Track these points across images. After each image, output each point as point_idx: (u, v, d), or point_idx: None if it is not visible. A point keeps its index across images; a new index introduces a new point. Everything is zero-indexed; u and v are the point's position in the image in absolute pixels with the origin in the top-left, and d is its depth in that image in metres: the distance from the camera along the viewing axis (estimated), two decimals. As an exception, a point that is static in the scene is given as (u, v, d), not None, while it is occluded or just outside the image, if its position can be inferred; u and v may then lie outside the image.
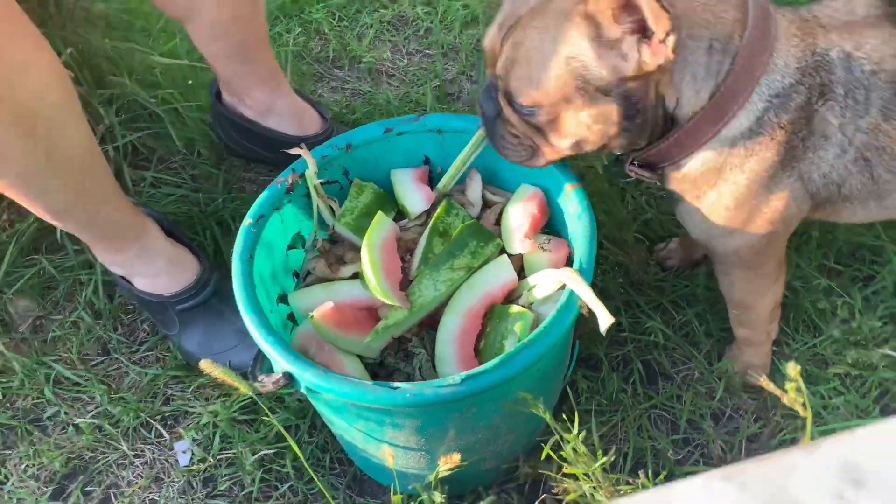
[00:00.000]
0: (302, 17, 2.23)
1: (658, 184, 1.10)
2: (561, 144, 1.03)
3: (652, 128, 1.00)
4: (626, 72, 0.91)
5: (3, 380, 1.48)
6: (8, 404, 1.46)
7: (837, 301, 1.38)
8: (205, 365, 0.96)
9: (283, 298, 1.16)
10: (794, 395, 0.69)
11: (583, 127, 0.98)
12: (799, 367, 0.68)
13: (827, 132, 0.98)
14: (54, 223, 1.29)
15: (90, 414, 1.43)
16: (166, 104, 1.83)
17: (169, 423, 1.43)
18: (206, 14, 1.40)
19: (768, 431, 1.29)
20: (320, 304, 1.06)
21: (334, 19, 2.22)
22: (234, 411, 1.37)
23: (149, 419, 1.42)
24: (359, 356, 1.07)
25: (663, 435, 1.30)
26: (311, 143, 1.24)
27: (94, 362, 1.52)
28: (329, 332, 1.03)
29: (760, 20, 0.95)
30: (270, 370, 1.01)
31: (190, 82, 1.86)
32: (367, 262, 1.05)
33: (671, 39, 0.88)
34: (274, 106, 1.63)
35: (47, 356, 1.51)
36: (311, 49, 2.14)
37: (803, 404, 0.70)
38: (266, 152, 1.67)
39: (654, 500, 0.44)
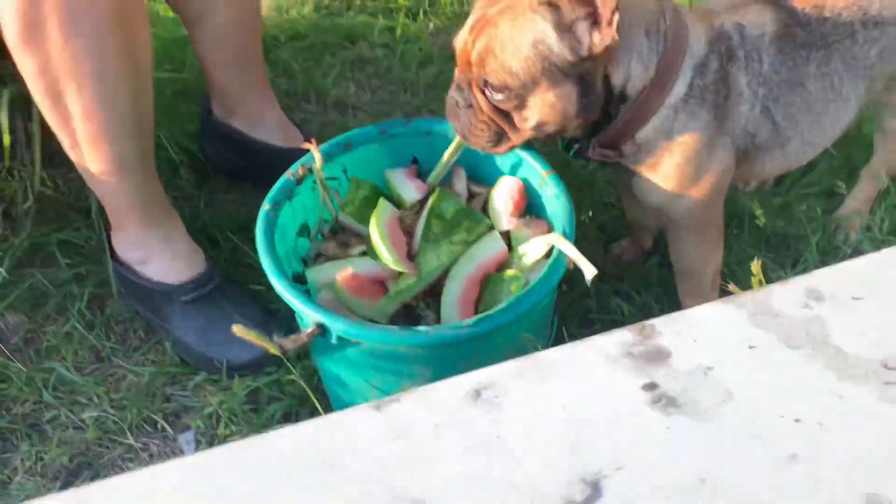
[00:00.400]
0: (269, 56, 2.38)
1: (618, 159, 1.27)
2: (526, 126, 1.17)
3: (602, 106, 1.17)
4: (581, 52, 1.08)
5: (1, 386, 1.51)
6: (4, 411, 1.49)
7: (772, 277, 1.59)
8: (237, 329, 1.07)
9: (295, 278, 1.27)
10: (757, 286, 0.86)
11: (547, 107, 1.13)
12: (760, 262, 0.84)
13: (740, 89, 1.21)
14: (112, 180, 1.36)
15: (91, 415, 1.48)
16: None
17: (171, 419, 1.49)
18: (216, 16, 1.56)
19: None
20: (336, 275, 1.18)
21: (299, 59, 2.39)
22: (237, 400, 1.45)
23: (151, 415, 1.47)
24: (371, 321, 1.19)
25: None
26: (297, 155, 1.38)
27: (89, 369, 1.57)
28: (347, 298, 1.16)
29: (673, 10, 1.18)
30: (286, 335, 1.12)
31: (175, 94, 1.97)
32: (378, 236, 1.19)
33: (615, 20, 1.05)
34: (264, 116, 1.77)
35: (43, 364, 1.55)
36: (279, 85, 2.29)
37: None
38: (253, 166, 1.79)
39: (677, 317, 0.59)
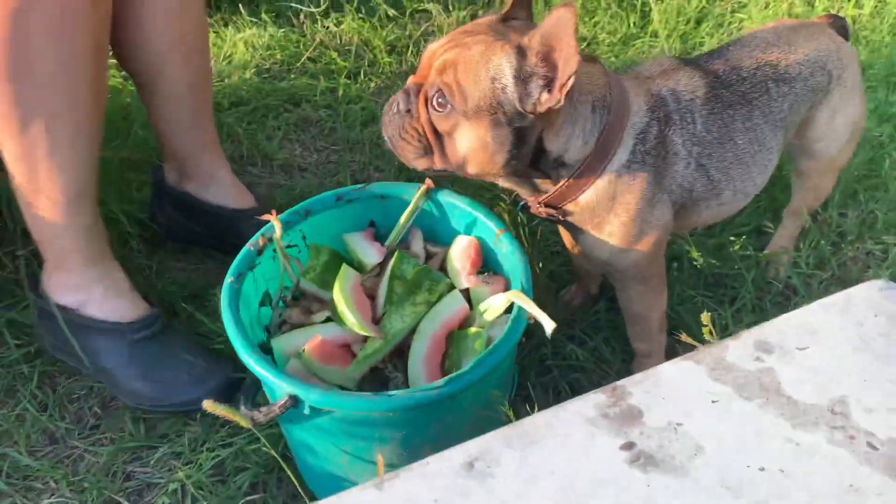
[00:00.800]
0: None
1: (562, 218, 1.34)
2: (454, 153, 1.20)
3: (531, 164, 1.23)
4: (526, 106, 1.14)
5: (-52, 477, 1.45)
6: (-49, 504, 1.43)
7: (713, 316, 1.68)
8: (207, 404, 1.08)
9: (259, 348, 1.29)
10: (709, 337, 0.93)
11: (478, 143, 1.17)
12: (710, 315, 0.92)
13: (676, 149, 1.30)
14: (61, 217, 1.41)
15: (49, 502, 1.43)
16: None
17: (134, 498, 1.46)
18: (170, 77, 1.60)
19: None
20: (302, 344, 1.20)
21: (244, 123, 2.42)
22: (203, 472, 1.44)
23: (113, 496, 1.44)
24: (339, 387, 1.22)
25: (594, 442, 1.51)
26: (249, 214, 1.42)
27: (43, 452, 1.53)
28: (315, 365, 1.18)
29: (616, 83, 1.27)
30: (254, 406, 1.13)
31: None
32: (342, 302, 1.22)
33: (568, 85, 1.10)
34: (216, 175, 1.79)
35: (-7, 450, 1.50)
36: (225, 150, 2.30)
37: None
38: (206, 229, 1.80)
39: (642, 377, 0.65)
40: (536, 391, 1.57)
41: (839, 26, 1.58)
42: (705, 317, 0.93)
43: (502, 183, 1.31)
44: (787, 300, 1.78)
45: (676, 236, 1.87)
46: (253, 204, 1.81)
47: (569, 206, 1.31)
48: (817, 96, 1.47)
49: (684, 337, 1.01)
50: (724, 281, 1.81)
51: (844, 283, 1.80)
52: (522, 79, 1.13)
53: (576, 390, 1.59)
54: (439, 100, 1.16)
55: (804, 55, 1.43)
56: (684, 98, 1.32)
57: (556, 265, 1.87)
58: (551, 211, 1.32)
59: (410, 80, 1.24)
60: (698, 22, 2.84)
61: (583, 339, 1.69)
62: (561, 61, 1.10)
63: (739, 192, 1.42)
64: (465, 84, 1.13)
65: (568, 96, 1.13)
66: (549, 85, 1.13)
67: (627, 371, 1.62)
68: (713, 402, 0.62)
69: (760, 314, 1.73)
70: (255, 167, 2.27)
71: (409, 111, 1.20)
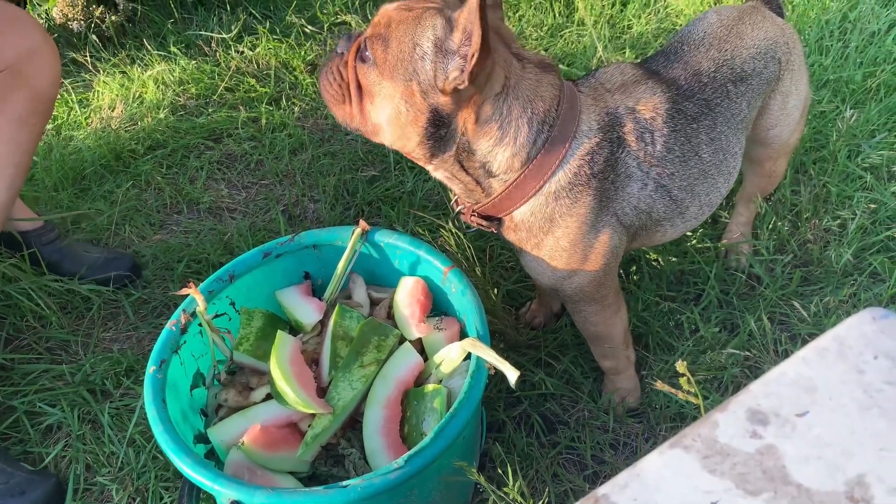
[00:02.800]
0: (129, 171, 2.24)
1: (495, 232, 1.25)
2: (368, 114, 1.14)
3: (457, 160, 1.15)
4: (439, 82, 1.06)
5: None
6: None
7: (681, 318, 1.61)
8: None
9: (198, 438, 1.15)
10: (687, 386, 0.84)
11: (394, 112, 1.10)
12: (686, 363, 0.82)
13: (629, 171, 1.21)
14: None
15: None
16: (8, 280, 1.75)
17: None
18: None
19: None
20: (242, 432, 1.07)
21: (163, 168, 2.25)
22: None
23: None
24: (291, 473, 1.09)
25: (575, 475, 1.42)
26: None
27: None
28: (260, 456, 1.05)
29: (569, 98, 1.17)
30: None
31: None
32: (281, 378, 1.09)
33: (471, 65, 1.02)
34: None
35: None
36: (145, 200, 2.15)
37: (695, 394, 0.85)
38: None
39: (627, 479, 0.55)
40: (508, 428, 1.47)
41: (775, 6, 1.51)
42: (681, 366, 0.84)
43: (434, 174, 1.21)
44: (752, 290, 1.71)
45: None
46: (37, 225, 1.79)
47: (505, 222, 1.22)
48: (769, 86, 1.40)
49: (659, 385, 0.91)
50: (686, 278, 1.74)
51: (807, 264, 1.74)
52: (443, 52, 1.06)
53: (549, 422, 1.50)
54: (366, 52, 1.10)
55: (755, 48, 1.36)
56: (643, 117, 1.22)
57: (512, 283, 1.77)
58: (483, 222, 1.24)
59: (366, 29, 1.17)
60: (624, 4, 2.77)
61: (549, 363, 1.59)
62: (472, 41, 1.02)
63: (706, 205, 1.33)
64: (391, 41, 1.08)
65: (493, 89, 1.08)
66: (463, 64, 1.05)
67: (598, 393, 1.54)
68: (713, 503, 0.52)
69: (728, 309, 1.66)
70: (181, 214, 2.12)
71: (342, 54, 1.16)
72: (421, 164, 1.19)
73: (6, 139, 1.32)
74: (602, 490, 0.53)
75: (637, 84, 1.26)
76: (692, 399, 0.87)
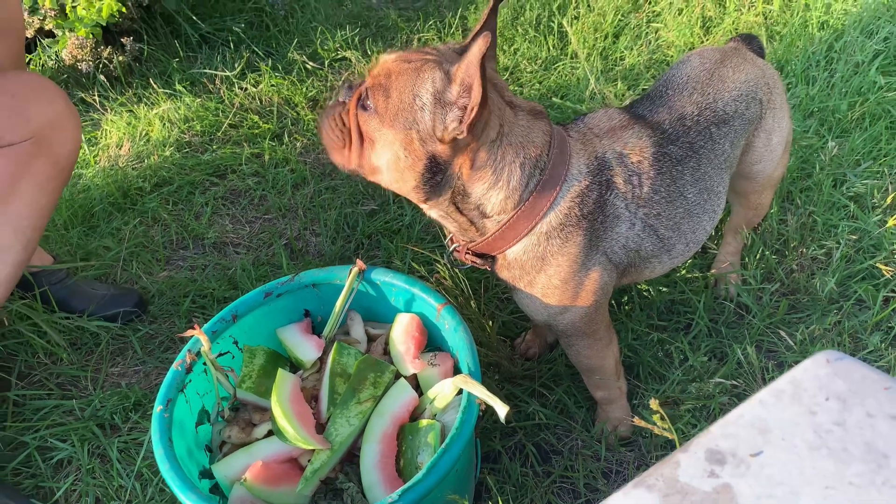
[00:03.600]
0: (136, 209, 2.31)
1: (489, 270, 1.31)
2: (368, 158, 1.19)
3: (451, 200, 1.20)
4: (438, 132, 1.12)
5: None
6: None
7: (670, 348, 1.66)
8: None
9: (203, 474, 1.20)
10: (660, 423, 0.89)
11: (393, 157, 1.16)
12: (658, 401, 0.87)
13: (618, 213, 1.26)
14: None
15: None
16: (21, 318, 1.82)
17: None
18: None
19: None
20: (245, 467, 1.12)
21: (169, 204, 2.32)
22: None
23: None
24: (292, 507, 1.14)
25: (569, 503, 1.46)
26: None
27: None
28: (262, 491, 1.10)
29: (559, 143, 1.23)
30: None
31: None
32: (282, 416, 1.14)
33: (471, 117, 1.08)
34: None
35: None
36: (152, 237, 2.21)
37: (669, 429, 0.90)
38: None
39: (595, 516, 0.59)
40: (503, 459, 1.51)
41: (756, 47, 1.58)
42: (654, 403, 0.89)
43: (429, 213, 1.27)
44: (740, 318, 1.76)
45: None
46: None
47: (499, 260, 1.27)
48: (752, 125, 1.46)
49: (637, 420, 0.96)
50: (676, 308, 1.79)
51: (794, 292, 1.79)
52: (442, 103, 1.11)
53: (543, 451, 1.54)
54: (367, 101, 1.16)
55: (737, 90, 1.42)
56: (631, 161, 1.28)
57: (507, 314, 1.82)
58: (477, 260, 1.29)
59: (365, 77, 1.23)
60: (616, 36, 2.85)
61: (543, 394, 1.64)
62: (471, 95, 1.09)
63: (692, 242, 1.39)
64: (392, 92, 1.13)
65: (489, 136, 1.14)
66: (463, 115, 1.11)
67: (591, 422, 1.58)
68: (671, 540, 0.57)
69: (717, 338, 1.70)
70: (186, 250, 2.18)
71: (343, 103, 1.21)
72: (417, 203, 1.25)
73: (27, 203, 1.39)
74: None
75: (624, 129, 1.32)
76: (667, 434, 0.92)
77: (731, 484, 0.61)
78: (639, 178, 1.28)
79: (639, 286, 1.80)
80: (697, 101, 1.39)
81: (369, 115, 1.16)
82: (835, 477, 0.61)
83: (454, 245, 1.34)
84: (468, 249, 1.29)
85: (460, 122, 1.11)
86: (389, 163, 1.17)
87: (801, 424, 0.65)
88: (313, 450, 1.16)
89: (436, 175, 1.16)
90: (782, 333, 1.65)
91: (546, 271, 1.24)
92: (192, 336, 1.24)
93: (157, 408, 1.16)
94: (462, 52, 1.21)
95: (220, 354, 1.31)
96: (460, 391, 1.21)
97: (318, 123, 1.24)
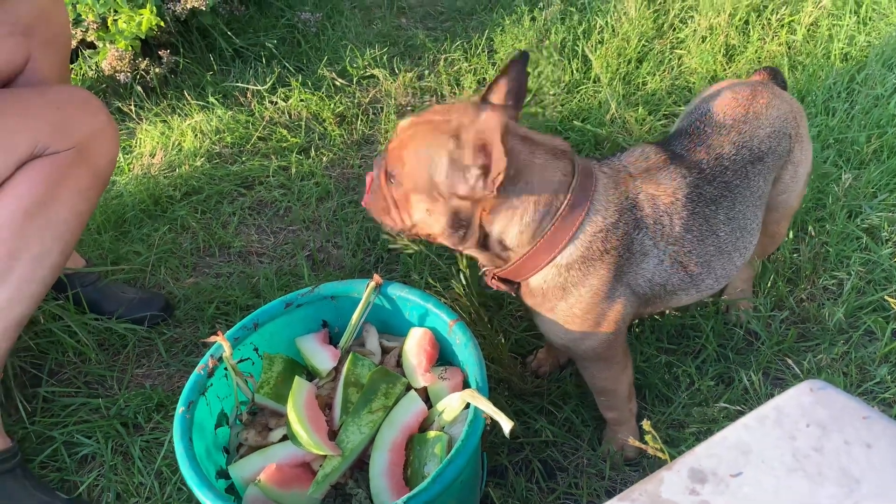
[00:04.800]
0: (166, 216, 2.39)
1: (514, 294, 1.36)
2: (403, 219, 1.28)
3: (477, 242, 1.27)
4: (459, 191, 1.19)
5: None
6: None
7: (678, 371, 1.69)
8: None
9: (219, 474, 1.26)
10: (652, 443, 0.93)
11: (422, 214, 1.24)
12: (650, 422, 0.91)
13: (645, 251, 1.29)
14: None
15: None
16: (53, 318, 1.90)
17: None
18: None
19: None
20: (260, 469, 1.18)
21: (198, 213, 2.41)
22: None
23: None
24: (302, 510, 1.19)
25: (572, 520, 1.50)
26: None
27: None
28: (274, 493, 1.16)
29: (582, 180, 1.26)
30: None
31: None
32: (296, 422, 1.20)
33: (498, 181, 1.15)
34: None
35: None
36: (180, 244, 2.30)
37: (661, 449, 0.94)
38: None
39: (581, 526, 0.64)
40: (509, 473, 1.55)
41: (780, 81, 1.61)
42: (646, 423, 0.93)
43: (464, 251, 1.33)
44: (749, 345, 1.79)
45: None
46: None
47: (522, 286, 1.33)
48: (782, 160, 1.49)
49: (632, 441, 1.00)
50: (686, 332, 1.82)
51: (804, 321, 1.82)
52: (457, 167, 1.18)
53: (549, 468, 1.58)
54: (391, 179, 1.26)
55: (771, 127, 1.44)
56: (663, 202, 1.31)
57: (520, 331, 1.86)
58: (503, 286, 1.34)
59: (383, 152, 1.33)
60: (639, 62, 2.89)
61: (552, 412, 1.68)
62: (492, 160, 1.14)
63: (720, 277, 1.41)
64: (409, 164, 1.21)
65: (503, 188, 1.18)
66: (487, 173, 1.17)
67: (598, 441, 1.62)
68: (650, 553, 0.61)
69: (725, 363, 1.73)
70: (212, 257, 2.26)
71: (378, 177, 1.30)
72: (452, 247, 1.31)
73: (67, 209, 1.48)
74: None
75: (659, 170, 1.35)
76: (659, 454, 0.96)
77: (710, 501, 0.65)
78: (670, 219, 1.31)
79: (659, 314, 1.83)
80: (735, 141, 1.41)
81: (396, 184, 1.26)
82: (808, 498, 0.65)
83: (483, 269, 1.39)
84: (494, 275, 1.34)
85: (484, 183, 1.17)
86: (420, 221, 1.26)
87: (781, 448, 0.69)
88: (325, 455, 1.21)
89: (461, 227, 1.24)
90: (790, 361, 1.68)
91: (567, 300, 1.29)
92: (214, 342, 1.30)
93: (180, 409, 1.22)
94: (483, 100, 1.30)
95: (241, 360, 1.37)
96: (468, 405, 1.26)
97: (366, 199, 1.35)
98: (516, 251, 1.27)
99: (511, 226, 1.24)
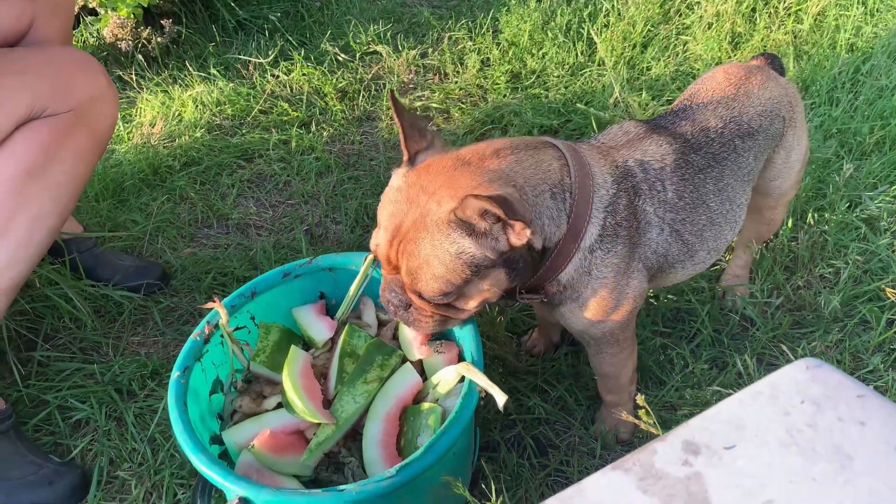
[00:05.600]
0: (165, 185, 2.39)
1: (544, 300, 1.31)
2: (469, 308, 1.23)
3: (532, 264, 1.23)
4: (503, 249, 1.14)
5: None
6: None
7: (672, 354, 1.70)
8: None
9: (213, 440, 1.27)
10: (646, 418, 0.93)
11: (484, 293, 1.20)
12: (644, 396, 0.92)
13: (648, 218, 1.29)
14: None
15: None
16: (49, 283, 1.90)
17: None
18: None
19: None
20: (253, 436, 1.19)
21: (196, 184, 2.40)
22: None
23: None
24: (295, 477, 1.20)
25: (562, 497, 1.50)
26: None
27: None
28: (267, 458, 1.16)
29: (575, 158, 1.24)
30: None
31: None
32: (291, 389, 1.20)
33: (527, 232, 1.10)
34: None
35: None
36: (178, 214, 2.29)
37: (654, 424, 0.94)
38: None
39: (571, 493, 0.64)
40: (501, 449, 1.56)
41: (777, 66, 1.61)
42: (640, 398, 0.93)
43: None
44: (744, 331, 1.79)
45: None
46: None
47: (549, 287, 1.28)
48: (775, 142, 1.49)
49: (624, 415, 1.01)
50: (681, 316, 1.82)
51: (799, 309, 1.82)
52: (481, 236, 1.12)
53: (540, 445, 1.59)
54: (435, 298, 1.18)
55: (762, 106, 1.45)
56: (653, 167, 1.30)
57: (516, 311, 1.87)
58: (533, 297, 1.29)
59: (385, 273, 1.23)
60: (644, 47, 2.88)
61: (545, 390, 1.68)
62: (499, 212, 1.07)
63: (712, 250, 1.42)
64: (439, 276, 1.14)
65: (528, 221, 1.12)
66: (502, 220, 1.11)
67: (591, 420, 1.62)
68: (641, 518, 0.61)
69: (719, 348, 1.74)
70: (210, 228, 2.25)
71: (408, 306, 1.23)
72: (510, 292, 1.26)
73: (65, 171, 1.47)
74: (549, 501, 0.63)
75: (642, 139, 1.35)
76: (652, 429, 0.96)
77: (703, 473, 0.66)
78: (662, 184, 1.31)
79: (647, 294, 1.83)
80: (722, 115, 1.42)
81: (444, 299, 1.18)
82: (800, 473, 0.65)
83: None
84: (522, 289, 1.29)
85: (511, 228, 1.11)
86: (486, 296, 1.21)
87: (775, 423, 0.70)
88: (319, 424, 1.21)
89: (519, 265, 1.19)
90: (784, 348, 1.68)
91: (592, 285, 1.26)
92: (211, 308, 1.30)
93: (175, 374, 1.22)
94: (412, 161, 1.21)
95: (237, 328, 1.37)
96: (462, 379, 1.26)
97: (403, 321, 1.27)
98: (552, 247, 1.22)
99: (547, 227, 1.20)
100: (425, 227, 1.13)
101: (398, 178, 1.20)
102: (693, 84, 1.55)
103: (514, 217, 1.07)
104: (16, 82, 1.41)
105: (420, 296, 1.19)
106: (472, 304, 1.22)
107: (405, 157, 1.22)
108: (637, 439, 1.58)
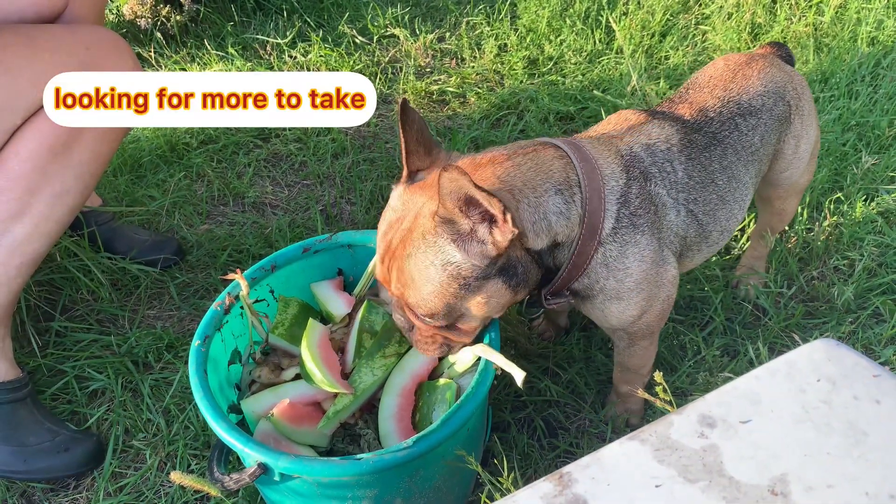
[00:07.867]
0: (182, 162, 2.40)
1: (571, 302, 1.30)
2: (471, 326, 1.21)
3: (539, 268, 1.19)
4: (490, 253, 1.08)
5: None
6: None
7: (685, 340, 1.71)
8: (175, 476, 1.08)
9: (230, 409, 1.29)
10: (662, 395, 0.95)
11: (482, 308, 1.16)
12: (662, 373, 0.93)
13: (664, 202, 1.28)
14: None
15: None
16: (69, 255, 1.92)
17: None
18: None
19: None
20: (271, 406, 1.21)
21: (213, 162, 2.42)
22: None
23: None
24: (311, 447, 1.22)
25: (571, 477, 1.52)
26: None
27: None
28: (285, 428, 1.18)
29: (578, 153, 1.22)
30: (225, 471, 1.14)
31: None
32: (310, 359, 1.22)
33: (509, 217, 1.03)
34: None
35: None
36: (195, 191, 2.31)
37: (670, 402, 0.95)
38: None
39: (588, 461, 0.66)
40: (512, 429, 1.58)
41: (785, 55, 1.61)
42: (658, 375, 0.94)
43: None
44: (757, 320, 1.80)
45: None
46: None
47: (576, 287, 1.26)
48: (783, 126, 1.49)
49: (640, 392, 1.02)
50: (694, 304, 1.83)
51: (813, 300, 1.83)
52: (466, 239, 1.09)
53: (550, 427, 1.60)
54: (428, 319, 1.17)
55: (763, 87, 1.45)
56: (660, 149, 1.29)
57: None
58: (559, 300, 1.27)
59: (392, 293, 1.21)
60: (663, 35, 2.87)
61: (556, 373, 1.70)
62: (483, 201, 1.03)
63: (724, 230, 1.41)
64: (427, 294, 1.12)
65: (518, 214, 1.11)
66: (493, 221, 1.07)
67: (601, 403, 1.64)
68: (657, 486, 0.63)
69: (732, 336, 1.75)
70: (227, 206, 2.27)
71: (412, 327, 1.23)
72: (520, 301, 1.24)
73: (89, 150, 1.49)
74: (567, 468, 0.64)
75: (643, 124, 1.35)
76: (668, 407, 0.97)
77: (718, 445, 0.67)
78: (671, 165, 1.30)
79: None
80: (719, 95, 1.43)
81: (439, 319, 1.16)
82: (814, 446, 0.66)
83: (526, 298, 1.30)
84: (546, 294, 1.27)
85: (497, 226, 1.06)
86: (487, 310, 1.17)
87: (791, 399, 0.71)
88: (336, 395, 1.23)
89: (519, 270, 1.15)
90: (796, 337, 1.69)
91: (618, 278, 1.23)
92: (232, 279, 1.32)
93: (196, 342, 1.24)
94: (411, 178, 1.19)
95: (257, 301, 1.39)
96: (478, 360, 1.27)
97: (414, 343, 1.27)
98: (568, 245, 1.20)
99: (554, 224, 1.16)
100: (412, 240, 1.11)
101: (394, 195, 1.19)
102: (694, 74, 1.56)
103: (493, 196, 1.01)
104: (49, 59, 1.42)
105: (416, 315, 1.17)
106: (473, 324, 1.19)
107: (405, 174, 1.19)
108: (647, 424, 1.59)
